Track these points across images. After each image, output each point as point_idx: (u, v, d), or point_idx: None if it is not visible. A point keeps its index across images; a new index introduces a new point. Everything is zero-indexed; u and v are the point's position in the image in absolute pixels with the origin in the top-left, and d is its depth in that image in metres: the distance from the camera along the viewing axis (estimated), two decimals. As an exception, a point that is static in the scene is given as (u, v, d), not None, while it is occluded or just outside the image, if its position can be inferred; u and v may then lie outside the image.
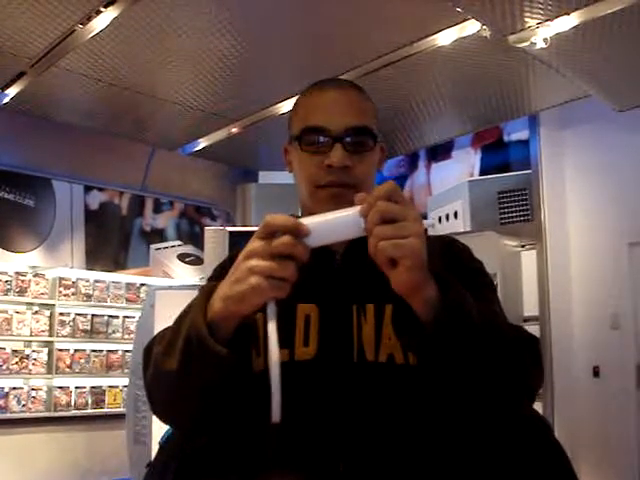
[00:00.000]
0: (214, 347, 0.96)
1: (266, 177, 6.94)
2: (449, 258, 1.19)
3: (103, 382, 6.65)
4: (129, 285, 6.96)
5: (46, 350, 6.34)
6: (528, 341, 1.07)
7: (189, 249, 7.48)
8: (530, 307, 5.20)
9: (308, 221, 0.95)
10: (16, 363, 6.09)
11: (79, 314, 6.57)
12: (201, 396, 1.02)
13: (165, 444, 1.18)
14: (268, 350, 0.93)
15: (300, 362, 1.09)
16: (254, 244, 0.94)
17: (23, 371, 6.13)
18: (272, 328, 0.94)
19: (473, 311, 0.97)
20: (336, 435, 1.04)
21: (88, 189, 6.85)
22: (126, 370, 6.39)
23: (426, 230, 1.27)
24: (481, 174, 6.02)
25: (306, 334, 1.10)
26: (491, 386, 0.99)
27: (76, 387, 6.42)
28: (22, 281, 6.24)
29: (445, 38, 4.03)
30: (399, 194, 0.93)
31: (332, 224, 0.95)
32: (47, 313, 6.39)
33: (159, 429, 3.95)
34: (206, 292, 1.02)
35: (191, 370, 0.99)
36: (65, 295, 6.50)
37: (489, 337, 0.97)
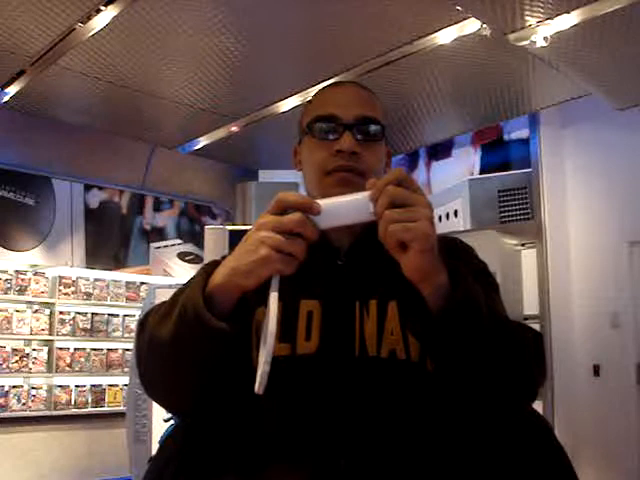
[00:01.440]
0: (209, 319, 0.96)
1: (266, 175, 6.94)
2: (453, 258, 1.19)
3: (103, 381, 6.66)
4: (129, 284, 6.96)
5: (46, 349, 6.34)
6: (532, 337, 1.08)
7: (189, 248, 7.48)
8: (530, 306, 5.20)
9: (320, 201, 0.96)
10: (16, 362, 6.10)
11: (79, 313, 6.57)
12: (192, 370, 1.02)
13: (164, 441, 1.18)
14: (266, 320, 0.93)
15: (301, 356, 1.10)
16: (265, 218, 0.96)
17: (23, 370, 6.13)
18: (274, 299, 0.94)
19: (482, 304, 0.98)
20: (337, 430, 1.04)
21: (88, 188, 6.85)
22: (126, 369, 6.40)
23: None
24: (481, 173, 6.02)
25: (308, 329, 1.11)
26: (494, 379, 0.99)
27: (76, 386, 6.43)
28: (22, 280, 6.24)
29: (445, 37, 4.03)
30: (409, 180, 0.94)
31: (342, 206, 0.97)
32: (47, 312, 6.39)
33: (159, 428, 3.95)
34: (207, 268, 1.03)
35: (184, 341, 0.99)
36: (65, 294, 6.50)
37: (496, 330, 0.98)
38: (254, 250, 0.94)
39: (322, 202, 0.96)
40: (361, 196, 0.95)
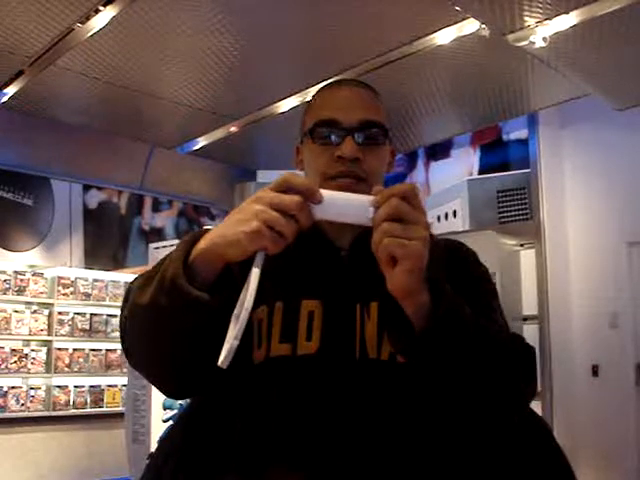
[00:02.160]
0: (186, 287, 0.95)
1: (265, 176, 6.93)
2: (454, 262, 1.19)
3: (102, 381, 6.66)
4: (128, 284, 6.97)
5: (45, 349, 6.34)
6: (522, 352, 1.08)
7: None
8: (529, 306, 5.20)
9: (323, 191, 0.96)
10: (15, 362, 6.10)
11: (78, 313, 6.58)
12: (172, 341, 1.00)
13: (163, 438, 1.18)
14: (243, 294, 0.92)
15: (302, 357, 1.09)
16: (264, 193, 0.95)
17: (22, 370, 6.14)
18: (255, 275, 0.93)
19: (466, 321, 0.97)
20: (336, 432, 1.04)
21: (87, 188, 6.86)
22: (125, 369, 6.39)
23: (432, 235, 1.28)
24: (480, 173, 6.02)
25: (309, 329, 1.10)
26: (479, 393, 0.99)
27: (75, 386, 6.43)
28: (21, 280, 6.24)
29: (444, 37, 4.02)
30: (415, 197, 0.93)
31: (343, 203, 0.96)
32: (46, 312, 6.40)
33: (158, 428, 3.95)
34: (193, 236, 1.02)
35: (162, 309, 0.98)
36: (64, 294, 6.51)
37: (479, 348, 0.98)
38: (246, 221, 0.93)
39: (325, 193, 0.95)
40: (364, 199, 0.95)
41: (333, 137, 1.17)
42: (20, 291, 6.22)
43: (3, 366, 6.01)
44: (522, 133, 5.68)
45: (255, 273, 0.93)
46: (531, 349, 1.10)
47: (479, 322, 1.00)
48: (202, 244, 0.98)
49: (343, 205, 0.96)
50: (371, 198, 0.94)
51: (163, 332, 0.99)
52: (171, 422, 3.75)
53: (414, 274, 0.92)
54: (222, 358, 0.89)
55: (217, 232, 0.97)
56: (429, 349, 0.95)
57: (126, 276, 7.00)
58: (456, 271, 1.15)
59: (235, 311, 0.91)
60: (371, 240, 0.93)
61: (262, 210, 0.92)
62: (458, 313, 0.97)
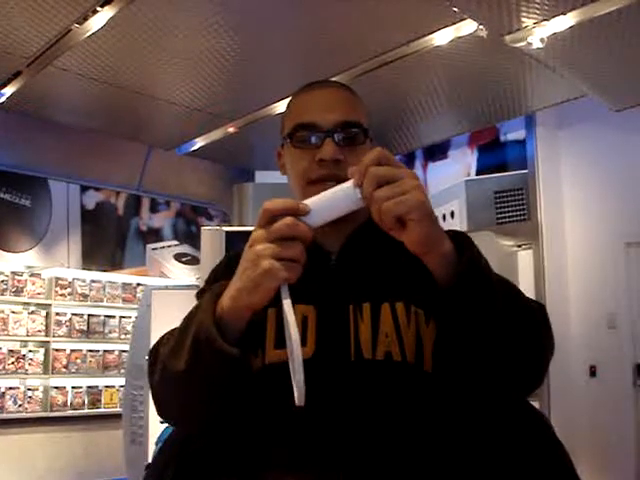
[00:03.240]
0: (223, 346, 0.95)
1: (263, 176, 6.94)
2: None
3: (99, 382, 6.65)
4: (125, 285, 6.96)
5: (42, 350, 6.33)
6: (539, 306, 1.08)
7: (186, 249, 7.48)
8: (527, 307, 5.20)
9: (306, 201, 0.95)
10: (12, 363, 6.09)
11: (75, 314, 6.57)
12: (209, 397, 1.01)
13: (164, 444, 1.18)
14: (287, 331, 0.92)
15: None
16: (256, 232, 0.95)
17: (19, 371, 6.13)
18: (288, 307, 0.93)
19: (490, 269, 0.98)
20: (335, 435, 1.04)
21: (84, 189, 6.85)
22: (122, 370, 6.39)
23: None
24: (478, 174, 6.02)
25: (303, 334, 1.10)
26: (509, 350, 0.98)
27: (72, 387, 6.42)
28: (18, 281, 6.23)
29: (442, 38, 4.03)
30: (388, 157, 0.94)
31: (330, 200, 0.96)
32: (43, 313, 6.39)
33: (155, 429, 3.95)
34: (214, 292, 1.02)
35: (199, 371, 0.98)
36: (61, 295, 6.50)
37: (507, 294, 0.98)
38: (254, 265, 0.93)
39: (309, 201, 0.95)
40: (346, 186, 0.95)
41: (312, 140, 1.16)
42: (17, 292, 6.21)
43: (0, 367, 6.00)
44: (520, 134, 5.68)
45: (287, 305, 0.93)
46: (543, 306, 1.10)
47: (499, 277, 1.01)
48: (226, 301, 0.98)
49: (331, 202, 0.96)
50: (351, 181, 0.94)
51: (200, 392, 1.00)
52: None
53: (425, 222, 0.92)
54: (298, 398, 0.89)
55: (234, 286, 0.97)
56: (462, 295, 0.94)
57: (124, 277, 6.99)
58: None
59: (287, 349, 0.93)
60: (360, 241, 0.93)
61: (263, 248, 0.92)
62: (483, 259, 0.98)
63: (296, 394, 0.89)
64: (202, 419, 1.06)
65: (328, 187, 1.13)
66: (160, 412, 1.11)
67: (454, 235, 1.16)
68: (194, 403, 1.03)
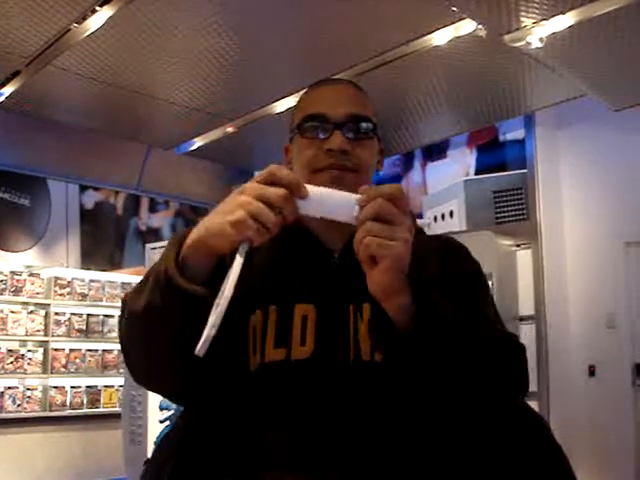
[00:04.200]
0: (180, 282, 0.95)
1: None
2: (445, 259, 1.19)
3: (98, 382, 6.65)
4: (124, 284, 6.96)
5: (41, 350, 6.34)
6: (511, 351, 1.07)
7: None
8: (526, 306, 5.20)
9: (309, 187, 0.95)
10: (11, 363, 6.09)
11: (74, 314, 6.57)
12: (171, 341, 0.99)
13: (162, 441, 1.18)
14: (224, 282, 0.91)
15: (296, 361, 1.09)
16: (250, 185, 0.95)
17: (18, 371, 6.13)
18: (237, 264, 0.92)
19: (449, 322, 0.97)
20: (332, 436, 1.04)
21: (83, 188, 6.85)
22: (122, 370, 6.39)
23: (422, 230, 1.28)
24: (477, 173, 6.03)
25: (303, 333, 1.10)
26: (463, 394, 0.99)
27: (71, 387, 6.42)
28: (17, 280, 6.23)
29: (440, 38, 4.02)
30: (402, 199, 0.93)
31: (329, 200, 0.96)
32: (42, 312, 6.39)
33: (155, 429, 3.95)
34: (182, 233, 1.02)
35: (158, 307, 0.97)
36: (60, 294, 6.50)
37: (463, 349, 0.97)
38: (230, 212, 0.93)
39: (311, 189, 0.95)
40: (350, 197, 0.94)
41: (322, 131, 1.17)
42: (16, 291, 6.21)
43: (-1, 367, 6.01)
44: (519, 133, 5.68)
45: (238, 262, 0.92)
46: (520, 346, 1.09)
47: (464, 323, 1.00)
48: (190, 237, 0.98)
49: (329, 202, 0.96)
50: (357, 196, 0.94)
51: (161, 332, 0.99)
52: (168, 423, 3.75)
53: (393, 274, 0.92)
54: (199, 346, 0.88)
55: (204, 224, 0.98)
56: (411, 350, 0.95)
57: (123, 276, 6.99)
58: (447, 267, 1.16)
59: (216, 300, 0.90)
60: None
61: (247, 201, 0.93)
62: (441, 315, 0.97)
63: (200, 343, 0.88)
64: (170, 372, 1.04)
65: (333, 175, 1.14)
66: (127, 364, 1.10)
67: (448, 248, 1.18)
68: (158, 347, 1.01)
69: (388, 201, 0.92)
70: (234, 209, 0.93)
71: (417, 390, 1.01)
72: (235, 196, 0.95)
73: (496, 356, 1.02)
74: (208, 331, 0.88)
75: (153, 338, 1.01)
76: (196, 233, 0.98)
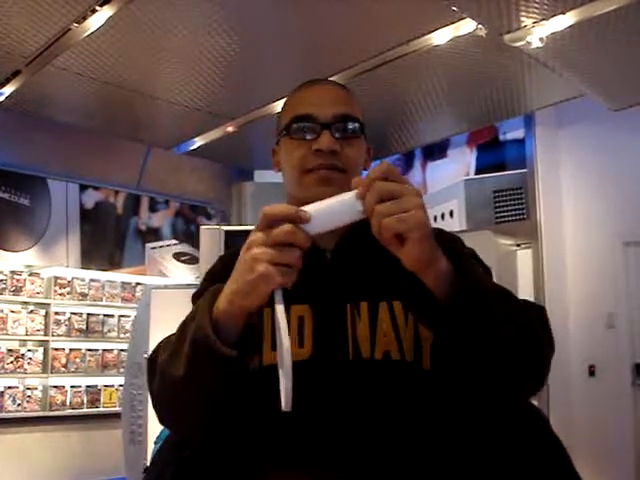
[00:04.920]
0: (221, 349, 0.95)
1: (262, 176, 6.93)
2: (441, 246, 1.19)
3: (99, 381, 6.65)
4: (125, 284, 6.95)
5: (41, 349, 6.33)
6: (537, 310, 1.07)
7: (185, 248, 7.47)
8: (525, 306, 5.20)
9: (307, 208, 0.94)
10: (11, 362, 6.09)
11: (74, 313, 6.56)
12: (209, 401, 1.00)
13: (163, 444, 1.18)
14: (278, 336, 0.91)
15: (295, 363, 1.09)
16: (255, 235, 0.94)
17: (18, 370, 6.12)
18: (281, 313, 0.92)
19: (487, 282, 0.98)
20: (334, 436, 1.04)
21: (83, 188, 6.84)
22: (122, 369, 6.39)
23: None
24: (477, 173, 6.02)
25: (300, 335, 1.10)
26: (507, 358, 0.98)
27: (71, 386, 6.41)
28: (17, 280, 6.22)
29: (441, 37, 4.03)
30: (394, 172, 0.93)
31: (331, 209, 0.95)
32: (42, 312, 6.38)
33: (155, 428, 3.95)
34: (211, 295, 1.01)
35: (198, 375, 0.97)
36: (60, 294, 6.49)
37: (505, 307, 0.97)
38: (250, 269, 0.92)
39: (310, 208, 0.94)
40: (348, 196, 0.94)
41: (310, 131, 1.17)
42: (16, 291, 6.21)
43: (-1, 366, 6.01)
44: (519, 133, 5.68)
45: (280, 310, 0.93)
46: (543, 308, 1.09)
47: (498, 287, 1.00)
48: (221, 304, 0.97)
49: (331, 211, 0.95)
50: (354, 192, 0.93)
51: (200, 397, 0.99)
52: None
53: (424, 242, 0.91)
54: (284, 403, 0.89)
55: (229, 289, 0.97)
56: (460, 312, 0.94)
57: (123, 276, 6.98)
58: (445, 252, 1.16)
59: (277, 355, 0.92)
60: (356, 239, 0.92)
61: (260, 252, 0.92)
62: (481, 274, 0.98)
63: (283, 401, 0.89)
64: (202, 424, 1.05)
65: (322, 175, 1.14)
66: (161, 419, 1.10)
67: (450, 240, 1.17)
68: (194, 408, 1.02)
69: (384, 179, 0.92)
70: (252, 265, 0.92)
71: (425, 385, 1.02)
72: (246, 253, 0.94)
73: (530, 316, 1.02)
74: (288, 386, 0.90)
75: (193, 401, 1.01)
76: (226, 299, 0.97)
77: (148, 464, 1.24)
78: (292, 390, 0.89)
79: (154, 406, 1.10)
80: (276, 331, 0.92)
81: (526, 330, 0.99)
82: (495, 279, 1.13)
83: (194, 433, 1.09)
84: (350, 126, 1.18)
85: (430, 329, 1.00)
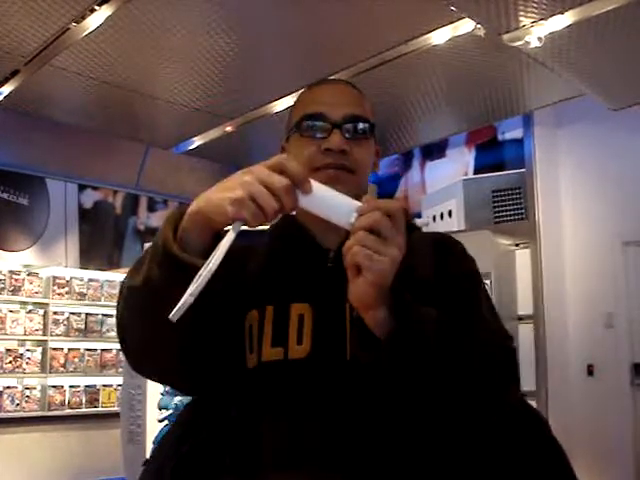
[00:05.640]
0: (179, 253, 0.95)
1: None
2: (440, 256, 1.19)
3: (97, 381, 6.65)
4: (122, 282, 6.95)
5: (40, 349, 6.33)
6: (499, 353, 1.07)
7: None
8: (524, 306, 5.20)
9: (314, 184, 0.96)
10: (10, 362, 6.08)
11: (73, 313, 6.56)
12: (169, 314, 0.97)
13: (162, 441, 1.18)
14: (211, 258, 0.91)
15: (294, 361, 1.09)
16: (257, 167, 0.95)
17: (17, 370, 6.12)
18: (227, 240, 0.92)
19: (428, 335, 0.97)
20: (329, 434, 1.04)
21: (82, 188, 6.85)
22: (120, 369, 6.38)
23: (420, 227, 1.28)
24: (475, 173, 6.03)
25: (300, 333, 1.10)
26: (448, 400, 0.99)
27: (70, 386, 6.42)
28: (16, 280, 6.22)
29: (439, 37, 4.03)
30: (400, 218, 0.94)
31: (329, 200, 0.96)
32: (41, 312, 6.38)
33: (154, 428, 3.95)
34: (178, 209, 1.02)
35: (156, 282, 0.97)
36: (59, 294, 6.49)
37: (444, 360, 0.97)
38: (232, 189, 0.93)
39: (315, 186, 0.96)
40: (351, 203, 0.95)
41: (320, 130, 1.18)
42: (15, 291, 6.21)
43: (-2, 366, 6.01)
44: (517, 133, 5.68)
45: (228, 238, 0.93)
46: (511, 349, 1.09)
47: (445, 332, 0.99)
48: (190, 209, 0.98)
49: (329, 202, 0.96)
50: (358, 204, 0.94)
51: (159, 307, 0.94)
52: (166, 422, 3.75)
53: (374, 289, 0.93)
54: (174, 312, 0.88)
55: (204, 197, 0.98)
56: (388, 362, 0.96)
57: (121, 276, 6.96)
58: (442, 265, 1.16)
59: (200, 270, 0.90)
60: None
61: (250, 182, 0.93)
62: (418, 327, 0.97)
63: (175, 308, 0.88)
64: (171, 355, 1.04)
65: (331, 174, 1.15)
66: (125, 347, 1.09)
67: (448, 252, 1.18)
68: (154, 322, 0.99)
69: (386, 215, 0.92)
70: (236, 187, 0.93)
71: (399, 397, 1.01)
72: (240, 175, 0.95)
73: (482, 361, 1.01)
74: (185, 298, 0.88)
75: (151, 313, 0.99)
76: (196, 205, 0.98)
77: (147, 458, 1.23)
78: (187, 306, 0.88)
79: (120, 332, 1.09)
80: (213, 253, 0.91)
81: (468, 377, 0.99)
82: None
83: (163, 367, 1.08)
84: (360, 126, 1.19)
85: (361, 359, 1.01)
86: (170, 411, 3.77)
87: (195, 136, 5.86)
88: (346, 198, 0.96)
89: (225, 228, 0.96)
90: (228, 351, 1.08)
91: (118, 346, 1.10)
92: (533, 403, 4.73)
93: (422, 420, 1.02)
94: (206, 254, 0.94)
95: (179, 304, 0.88)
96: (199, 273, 0.90)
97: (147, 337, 1.04)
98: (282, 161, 0.95)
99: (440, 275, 1.13)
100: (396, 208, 0.94)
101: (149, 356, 1.08)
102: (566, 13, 3.55)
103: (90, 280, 6.75)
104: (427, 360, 0.96)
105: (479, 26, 3.82)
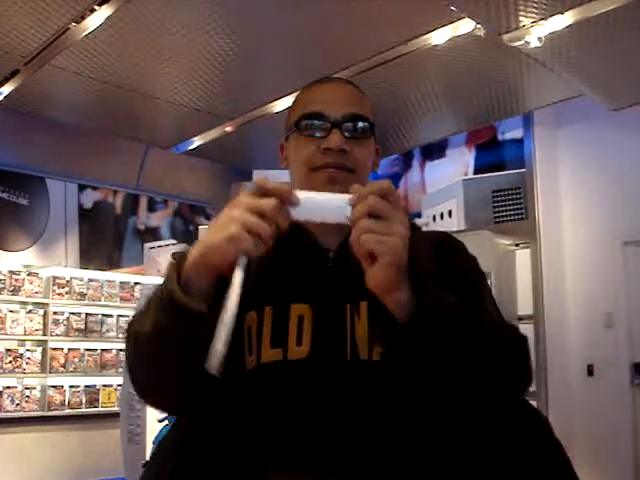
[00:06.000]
0: (184, 301, 0.95)
1: (260, 176, 6.92)
2: (441, 254, 1.19)
3: (97, 381, 6.65)
4: (123, 284, 6.96)
5: (40, 349, 6.33)
6: (514, 342, 1.07)
7: (183, 248, 7.45)
8: (524, 306, 5.20)
9: (299, 193, 0.96)
10: (10, 362, 6.09)
11: (73, 313, 6.57)
12: (177, 361, 1.00)
13: (162, 442, 1.18)
14: (227, 298, 0.91)
15: (293, 362, 1.09)
16: (242, 197, 0.96)
17: (17, 370, 6.13)
18: (238, 278, 0.92)
19: (449, 317, 0.97)
20: (329, 435, 1.04)
21: (82, 188, 6.85)
22: (120, 369, 6.40)
23: (420, 227, 1.28)
24: (475, 173, 6.03)
25: (299, 334, 1.10)
26: (465, 388, 0.99)
27: (70, 386, 6.42)
28: (16, 280, 6.23)
29: (439, 37, 4.03)
30: (392, 194, 0.94)
31: (321, 204, 0.96)
32: (41, 312, 6.39)
33: (153, 428, 3.95)
34: (181, 254, 1.03)
35: (164, 329, 0.98)
36: (59, 294, 6.50)
37: (465, 343, 0.97)
38: (224, 227, 0.94)
39: (301, 195, 0.96)
40: (342, 198, 0.95)
41: (319, 129, 1.18)
42: (15, 291, 6.21)
43: (-2, 366, 6.01)
44: (517, 133, 5.68)
45: (238, 276, 0.93)
46: (523, 338, 1.09)
47: (465, 316, 1.00)
48: (191, 256, 0.98)
49: (320, 205, 0.96)
50: (349, 196, 0.94)
51: (168, 354, 0.99)
52: (166, 422, 3.75)
53: (392, 270, 0.92)
54: (213, 365, 0.88)
55: (202, 242, 0.98)
56: (410, 343, 0.95)
57: (121, 276, 6.99)
58: (444, 262, 1.16)
59: (221, 315, 0.90)
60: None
61: (239, 215, 0.93)
62: (440, 309, 0.97)
63: (209, 360, 0.88)
64: (176, 391, 1.05)
65: (330, 174, 1.15)
66: (136, 386, 1.10)
67: (451, 250, 1.17)
68: (164, 369, 1.01)
69: (380, 197, 0.92)
70: (228, 224, 0.94)
71: (417, 386, 1.01)
72: (227, 211, 0.96)
73: (500, 348, 1.02)
74: (218, 348, 0.88)
75: (161, 359, 1.01)
76: (196, 251, 0.98)
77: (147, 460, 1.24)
78: (221, 355, 0.88)
79: (130, 372, 1.09)
80: (227, 293, 0.91)
81: (489, 365, 0.99)
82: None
83: (169, 401, 1.10)
84: (360, 125, 1.19)
85: (383, 347, 1.01)
86: (170, 411, 3.76)
87: (195, 136, 5.85)
88: (335, 195, 0.96)
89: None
90: (227, 355, 1.08)
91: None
92: (533, 403, 4.73)
93: (431, 410, 1.02)
94: (213, 297, 0.96)
95: (216, 356, 0.87)
96: (220, 318, 0.90)
97: (157, 379, 1.06)
98: (261, 184, 0.95)
99: (443, 270, 1.12)
100: (386, 186, 0.94)
101: (159, 393, 1.09)
102: (566, 13, 3.55)
103: (90, 280, 6.75)
104: (449, 340, 0.95)
105: (479, 26, 3.82)
